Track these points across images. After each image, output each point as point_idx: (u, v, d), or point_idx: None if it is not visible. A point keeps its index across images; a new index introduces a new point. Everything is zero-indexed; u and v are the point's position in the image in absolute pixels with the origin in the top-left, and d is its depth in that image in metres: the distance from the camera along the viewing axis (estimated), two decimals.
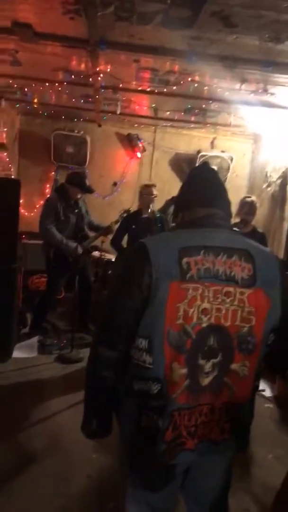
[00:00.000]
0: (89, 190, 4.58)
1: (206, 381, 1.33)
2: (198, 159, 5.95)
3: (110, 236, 4.64)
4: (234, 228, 1.48)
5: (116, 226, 4.54)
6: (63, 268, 4.49)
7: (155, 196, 4.39)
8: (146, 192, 4.40)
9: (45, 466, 2.71)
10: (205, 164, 1.65)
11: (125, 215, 4.50)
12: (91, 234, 4.70)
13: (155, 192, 4.38)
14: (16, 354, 4.22)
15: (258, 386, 1.48)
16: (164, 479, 1.42)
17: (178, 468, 1.42)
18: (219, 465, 1.50)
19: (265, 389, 3.89)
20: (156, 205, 4.53)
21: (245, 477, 2.75)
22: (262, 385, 3.84)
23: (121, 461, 1.52)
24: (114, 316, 1.38)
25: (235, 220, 4.17)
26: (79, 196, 4.53)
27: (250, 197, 4.36)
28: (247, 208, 4.14)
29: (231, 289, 1.31)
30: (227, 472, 1.53)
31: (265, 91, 3.63)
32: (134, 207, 4.81)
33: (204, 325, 1.30)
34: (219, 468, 1.50)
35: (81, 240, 4.49)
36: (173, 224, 1.77)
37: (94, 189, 4.72)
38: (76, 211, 4.53)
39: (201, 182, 1.52)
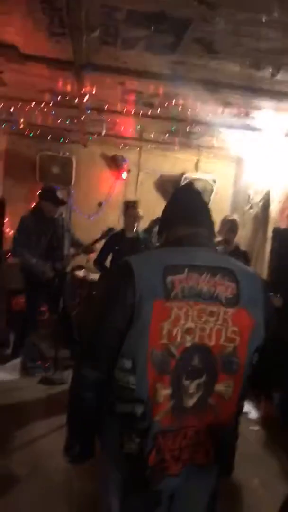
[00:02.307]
0: (61, 203, 4.41)
1: (190, 402, 1.31)
2: (182, 181, 6.03)
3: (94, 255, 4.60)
4: (217, 247, 1.49)
5: (97, 245, 4.48)
6: (37, 288, 4.35)
7: (141, 218, 4.40)
8: (130, 213, 4.40)
9: (25, 493, 2.60)
10: (188, 184, 1.67)
11: (110, 233, 4.44)
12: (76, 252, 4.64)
13: (140, 212, 4.39)
14: None
15: (243, 407, 1.46)
16: (149, 507, 1.37)
17: (163, 495, 1.37)
18: (204, 490, 1.46)
19: (250, 411, 3.85)
20: (141, 226, 4.53)
21: (230, 502, 2.69)
22: (247, 407, 3.80)
23: (104, 487, 1.48)
24: (97, 336, 1.36)
25: (217, 239, 4.22)
26: (55, 213, 4.37)
27: (231, 216, 4.45)
28: (228, 226, 4.22)
29: (215, 308, 1.31)
30: (214, 497, 1.50)
31: (247, 115, 3.73)
32: (119, 227, 4.80)
33: (188, 344, 1.29)
34: (205, 493, 1.46)
35: (56, 260, 4.34)
36: (157, 244, 1.77)
37: (66, 201, 4.60)
38: (50, 229, 4.37)
39: (185, 201, 1.53)
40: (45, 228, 4.36)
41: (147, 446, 1.29)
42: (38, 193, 4.54)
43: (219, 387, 1.33)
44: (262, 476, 3.01)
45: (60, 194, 4.44)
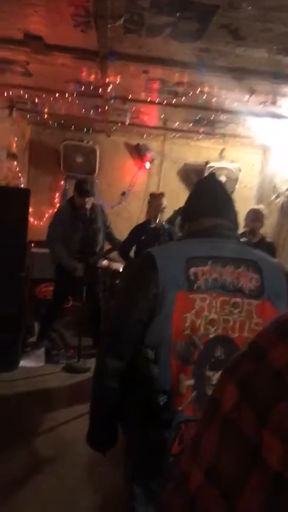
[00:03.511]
0: (85, 194, 4.21)
1: None
2: (206, 170, 5.96)
3: None
4: (242, 239, 1.47)
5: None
6: (68, 279, 4.40)
7: (164, 207, 4.39)
8: (154, 203, 4.40)
9: (49, 478, 2.68)
10: (212, 175, 1.65)
11: None
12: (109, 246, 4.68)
13: (164, 202, 4.37)
14: (23, 363, 4.22)
15: None
16: None
17: None
18: None
19: None
20: (164, 215, 4.52)
21: None
22: None
23: (126, 475, 1.50)
24: (121, 326, 1.37)
25: (242, 230, 4.17)
26: (84, 205, 4.27)
27: (256, 206, 4.42)
28: (251, 214, 4.17)
29: (238, 300, 1.30)
30: None
31: (274, 102, 3.64)
32: (142, 217, 4.81)
33: (211, 336, 1.29)
34: None
35: (88, 255, 4.35)
36: (180, 235, 1.77)
37: (94, 193, 4.43)
38: (85, 223, 4.30)
39: (208, 192, 1.52)
40: (80, 222, 4.30)
41: (170, 435, 1.30)
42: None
43: None
44: None
45: (88, 185, 4.27)
